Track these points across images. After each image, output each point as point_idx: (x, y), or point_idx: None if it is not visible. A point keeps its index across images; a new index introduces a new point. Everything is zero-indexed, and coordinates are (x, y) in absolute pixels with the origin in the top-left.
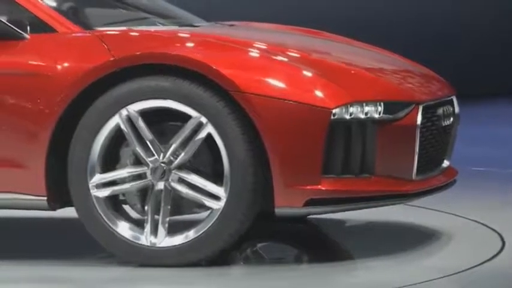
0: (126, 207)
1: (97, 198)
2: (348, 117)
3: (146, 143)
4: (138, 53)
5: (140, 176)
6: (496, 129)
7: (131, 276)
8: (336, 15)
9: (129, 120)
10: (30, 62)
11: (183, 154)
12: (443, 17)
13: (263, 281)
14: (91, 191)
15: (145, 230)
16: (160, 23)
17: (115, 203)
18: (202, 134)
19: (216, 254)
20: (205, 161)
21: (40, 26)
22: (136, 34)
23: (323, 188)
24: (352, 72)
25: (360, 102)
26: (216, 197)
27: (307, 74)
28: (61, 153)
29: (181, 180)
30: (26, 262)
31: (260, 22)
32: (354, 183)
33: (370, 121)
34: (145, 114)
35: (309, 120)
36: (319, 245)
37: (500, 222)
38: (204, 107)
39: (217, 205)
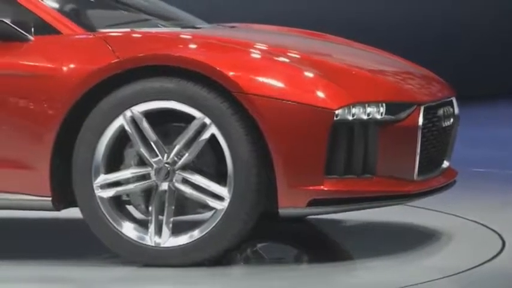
0: (130, 208)
1: (101, 198)
2: (350, 118)
3: (150, 143)
4: (141, 55)
5: (144, 177)
6: (496, 130)
7: (136, 276)
8: (336, 17)
9: (133, 121)
10: (35, 64)
11: (187, 155)
12: (443, 18)
13: (263, 281)
14: (95, 191)
15: (150, 230)
16: (162, 25)
17: (119, 204)
18: (206, 135)
19: (220, 253)
20: (209, 162)
21: (44, 28)
22: (140, 36)
23: (326, 189)
24: (354, 73)
25: (362, 103)
26: (219, 198)
27: (310, 75)
28: (66, 154)
29: (185, 181)
30: (30, 262)
31: (261, 24)
32: (356, 183)
33: (372, 122)
34: (149, 115)
35: (312, 121)
36: (319, 245)
37: (500, 222)
38: (208, 108)
39: (221, 205)
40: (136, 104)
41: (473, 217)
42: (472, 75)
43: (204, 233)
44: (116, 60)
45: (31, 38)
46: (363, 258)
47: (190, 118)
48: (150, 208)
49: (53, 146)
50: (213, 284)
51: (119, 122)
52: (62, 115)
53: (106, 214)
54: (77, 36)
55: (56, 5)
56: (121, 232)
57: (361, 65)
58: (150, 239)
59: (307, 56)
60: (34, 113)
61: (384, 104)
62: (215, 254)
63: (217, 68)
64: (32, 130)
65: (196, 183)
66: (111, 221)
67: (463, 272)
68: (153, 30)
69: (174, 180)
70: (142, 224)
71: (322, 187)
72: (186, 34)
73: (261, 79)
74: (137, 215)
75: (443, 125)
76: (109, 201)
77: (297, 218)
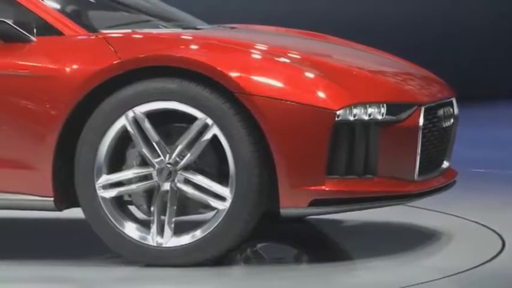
0: (132, 208)
1: (103, 199)
2: (351, 118)
3: (152, 144)
4: (143, 55)
5: (146, 177)
6: (496, 131)
7: (138, 276)
8: (336, 17)
9: (136, 121)
10: (37, 65)
11: (189, 155)
12: (443, 18)
13: (263, 281)
14: (98, 191)
15: (152, 230)
16: (163, 26)
17: (121, 204)
18: (208, 135)
19: (222, 253)
20: (211, 162)
21: (46, 29)
22: (141, 36)
23: (327, 189)
24: (355, 73)
25: (364, 104)
26: (221, 198)
27: (311, 75)
28: (68, 155)
29: (187, 181)
30: (31, 262)
31: (261, 25)
32: (357, 184)
33: (373, 122)
34: (151, 115)
35: (313, 122)
36: (319, 245)
37: (500, 223)
38: (210, 108)
39: (223, 205)
40: (139, 104)
41: (474, 217)
42: (472, 75)
43: (206, 233)
44: (117, 61)
45: (33, 38)
46: (363, 258)
47: (192, 119)
48: (152, 208)
49: (55, 146)
50: (213, 283)
51: (121, 122)
52: (64, 116)
53: (108, 214)
54: (79, 37)
55: (57, 6)
56: (123, 232)
57: (362, 65)
58: (152, 239)
59: (308, 56)
60: (36, 113)
61: (384, 105)
62: (217, 254)
63: (219, 69)
64: (34, 130)
65: (198, 183)
66: (113, 221)
67: (463, 272)
68: (155, 31)
69: (176, 181)
70: (145, 224)
71: (323, 187)
72: (187, 35)
73: (262, 80)
74: (139, 215)
75: (444, 126)
76: (111, 201)
77: (297, 218)
